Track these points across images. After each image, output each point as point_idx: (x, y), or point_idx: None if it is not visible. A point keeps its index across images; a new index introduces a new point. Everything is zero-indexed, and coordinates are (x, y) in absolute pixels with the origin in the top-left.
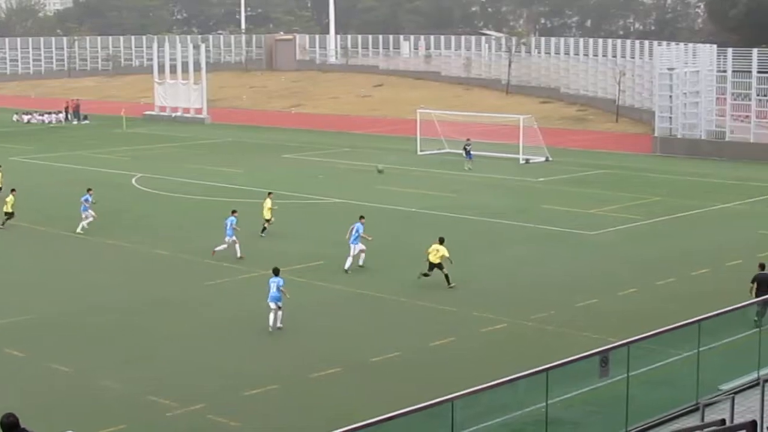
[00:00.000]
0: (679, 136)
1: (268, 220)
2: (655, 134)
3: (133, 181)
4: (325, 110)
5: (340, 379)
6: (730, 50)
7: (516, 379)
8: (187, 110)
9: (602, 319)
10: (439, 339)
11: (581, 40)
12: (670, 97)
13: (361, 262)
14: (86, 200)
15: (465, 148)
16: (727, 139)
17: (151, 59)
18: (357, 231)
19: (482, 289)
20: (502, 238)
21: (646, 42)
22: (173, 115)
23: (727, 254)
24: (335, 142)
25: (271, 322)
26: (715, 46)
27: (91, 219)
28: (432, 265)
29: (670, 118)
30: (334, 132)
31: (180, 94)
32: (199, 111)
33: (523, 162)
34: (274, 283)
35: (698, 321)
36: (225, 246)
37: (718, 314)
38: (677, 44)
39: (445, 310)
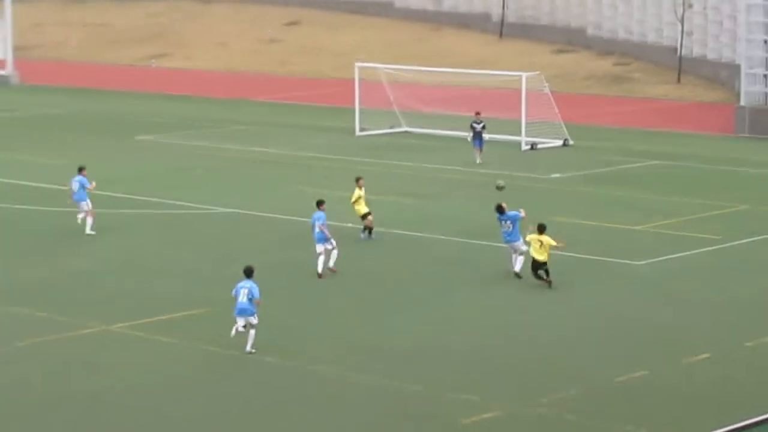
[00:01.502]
0: None
1: (367, 215)
2: (741, 103)
3: None
4: (206, 64)
5: None
6: None
7: None
8: None
9: (656, 403)
10: None
11: None
12: (766, 43)
13: (517, 268)
14: (82, 184)
15: (473, 127)
16: None
17: None
18: (514, 219)
19: (462, 356)
20: (491, 271)
21: None
22: None
23: None
24: (222, 116)
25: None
26: None
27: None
28: (537, 265)
29: (766, 77)
30: (220, 99)
31: None
32: (1, 64)
33: (528, 147)
34: (245, 289)
35: None
36: (323, 256)
37: None
38: None
39: (404, 389)
